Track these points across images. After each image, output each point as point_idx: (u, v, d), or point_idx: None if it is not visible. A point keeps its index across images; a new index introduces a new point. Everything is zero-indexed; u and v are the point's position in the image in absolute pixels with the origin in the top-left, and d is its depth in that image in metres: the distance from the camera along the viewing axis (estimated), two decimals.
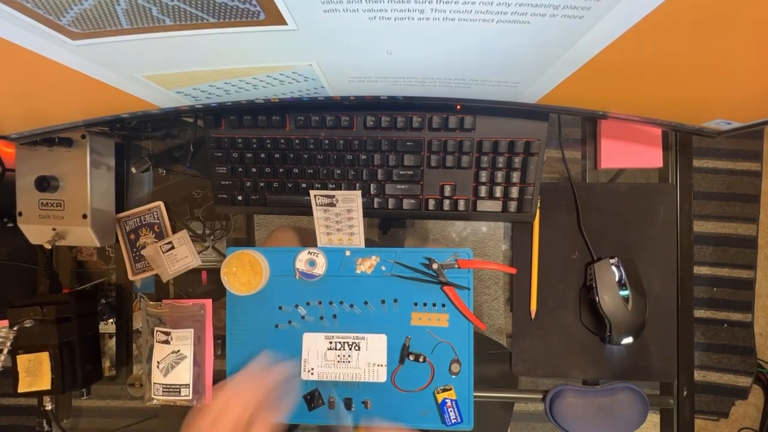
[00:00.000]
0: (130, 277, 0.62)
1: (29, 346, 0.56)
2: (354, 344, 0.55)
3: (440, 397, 0.54)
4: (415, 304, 0.55)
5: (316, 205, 0.53)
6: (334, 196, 0.52)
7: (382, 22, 0.28)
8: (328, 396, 0.56)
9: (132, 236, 0.62)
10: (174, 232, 0.62)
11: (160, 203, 0.62)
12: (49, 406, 0.60)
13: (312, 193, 0.53)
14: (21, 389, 0.56)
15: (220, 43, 0.31)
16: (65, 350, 0.57)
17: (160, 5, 0.26)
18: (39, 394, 0.57)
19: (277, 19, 0.28)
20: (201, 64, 0.35)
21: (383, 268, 0.56)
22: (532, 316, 0.57)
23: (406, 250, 0.56)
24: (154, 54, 0.33)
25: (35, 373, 0.56)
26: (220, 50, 0.33)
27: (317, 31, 0.30)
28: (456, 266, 0.54)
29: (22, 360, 0.56)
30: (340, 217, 0.53)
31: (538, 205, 0.56)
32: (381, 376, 0.55)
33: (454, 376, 0.55)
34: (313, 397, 0.56)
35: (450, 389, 0.54)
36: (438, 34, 0.30)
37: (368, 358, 0.55)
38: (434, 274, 0.54)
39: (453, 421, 0.54)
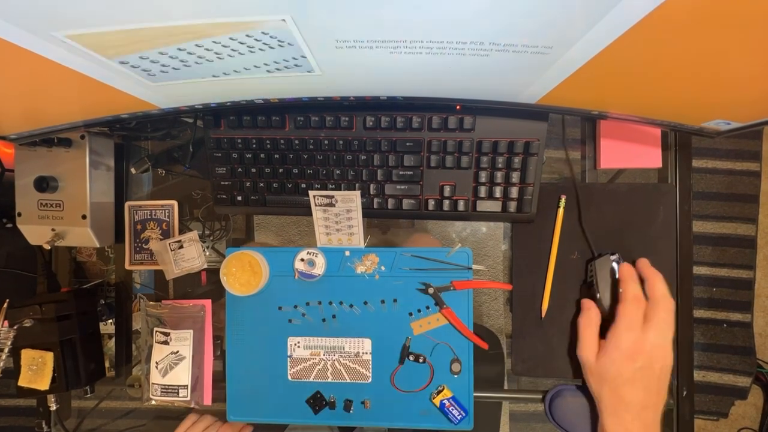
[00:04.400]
0: (127, 266, 0.62)
1: (31, 345, 0.56)
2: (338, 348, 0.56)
3: (437, 400, 0.54)
4: (410, 314, 0.55)
5: (316, 205, 0.53)
6: (333, 197, 0.52)
7: None
8: (329, 396, 0.56)
9: (138, 226, 0.62)
10: (180, 233, 0.61)
11: (175, 202, 0.61)
12: (54, 407, 0.60)
13: (311, 193, 0.53)
14: (21, 383, 0.56)
15: None
16: (67, 348, 0.57)
17: None
18: (37, 394, 0.57)
19: None
20: (139, 19, 0.27)
21: (383, 268, 0.56)
22: (543, 315, 0.57)
23: (405, 249, 0.56)
24: (76, 1, 0.25)
25: (38, 371, 0.56)
26: None
27: None
28: (452, 288, 0.54)
29: (27, 354, 0.56)
30: (339, 217, 0.53)
31: (563, 205, 0.56)
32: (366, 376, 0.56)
33: (455, 376, 0.55)
34: (315, 400, 0.56)
35: (443, 389, 0.54)
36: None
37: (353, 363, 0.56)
38: (438, 264, 0.54)
39: (459, 417, 0.54)
